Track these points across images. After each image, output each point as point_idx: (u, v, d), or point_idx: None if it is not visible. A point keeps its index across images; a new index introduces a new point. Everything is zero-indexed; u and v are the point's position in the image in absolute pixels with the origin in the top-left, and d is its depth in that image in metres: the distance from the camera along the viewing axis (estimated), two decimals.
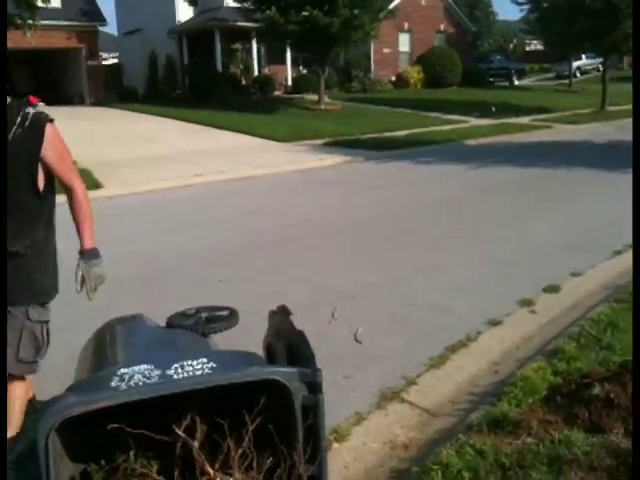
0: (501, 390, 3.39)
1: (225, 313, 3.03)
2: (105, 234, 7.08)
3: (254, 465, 2.03)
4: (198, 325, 2.85)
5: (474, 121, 19.30)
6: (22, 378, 2.60)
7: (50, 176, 2.59)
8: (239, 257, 6.15)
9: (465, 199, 8.97)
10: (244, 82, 26.01)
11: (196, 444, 2.04)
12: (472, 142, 15.38)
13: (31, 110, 2.50)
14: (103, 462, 2.12)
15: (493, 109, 20.86)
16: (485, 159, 12.44)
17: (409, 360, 3.96)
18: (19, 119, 2.45)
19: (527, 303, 4.87)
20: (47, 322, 2.63)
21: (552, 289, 5.17)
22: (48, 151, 2.52)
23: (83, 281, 2.61)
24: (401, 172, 11.60)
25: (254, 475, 2.02)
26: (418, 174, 11.31)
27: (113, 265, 5.86)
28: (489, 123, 18.68)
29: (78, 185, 2.67)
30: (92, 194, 9.26)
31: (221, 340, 3.32)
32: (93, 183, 10.02)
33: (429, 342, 4.23)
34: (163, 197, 9.32)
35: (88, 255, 2.62)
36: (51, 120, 2.56)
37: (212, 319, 2.93)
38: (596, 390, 3.02)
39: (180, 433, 2.04)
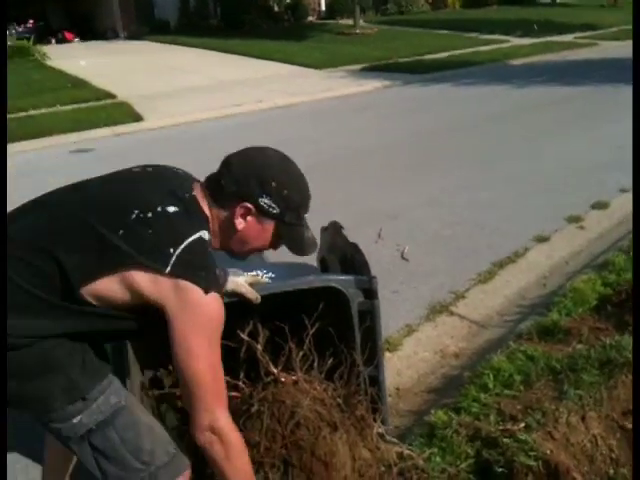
0: (551, 301, 3.43)
1: None
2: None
3: (315, 366, 2.13)
4: None
5: (516, 40, 18.60)
6: None
7: None
8: None
9: (508, 118, 8.77)
10: (276, 9, 25.44)
11: (259, 347, 2.14)
12: (514, 62, 14.88)
13: None
14: (171, 367, 2.25)
15: (535, 27, 20.05)
16: (528, 78, 12.08)
17: (457, 276, 4.01)
18: None
19: (575, 219, 4.84)
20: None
21: (600, 205, 5.12)
22: None
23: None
24: (441, 94, 11.35)
25: (315, 375, 2.12)
26: (459, 96, 11.06)
27: None
28: (531, 42, 18.00)
29: None
30: (134, 127, 9.48)
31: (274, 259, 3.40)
32: (134, 116, 10.09)
33: (476, 259, 4.26)
34: (203, 127, 9.33)
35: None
36: None
37: None
38: None
39: (244, 337, 2.15)
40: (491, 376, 2.65)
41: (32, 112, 10.38)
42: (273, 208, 1.60)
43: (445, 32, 20.42)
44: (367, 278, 2.21)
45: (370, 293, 2.21)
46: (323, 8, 26.73)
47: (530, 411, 2.39)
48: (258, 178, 1.60)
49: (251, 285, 2.03)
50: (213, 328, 1.50)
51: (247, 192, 1.60)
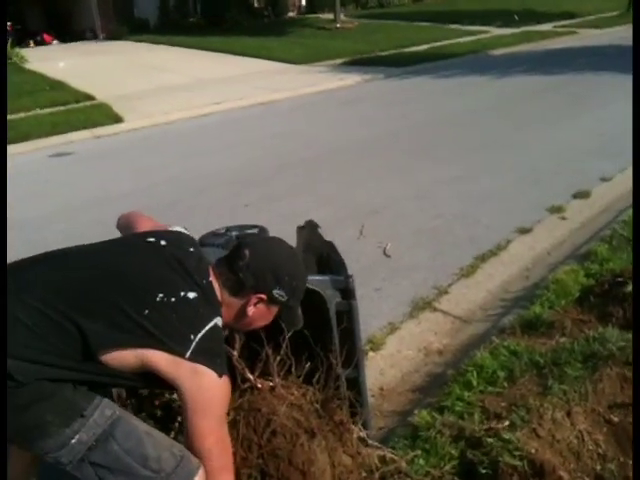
0: (533, 294, 3.40)
1: (254, 231, 3.05)
2: (130, 166, 7.17)
3: (292, 370, 2.08)
4: (229, 243, 2.87)
5: (496, 31, 18.59)
6: None
7: None
8: (262, 180, 6.12)
9: (488, 109, 8.75)
10: (257, 5, 25.29)
11: (235, 353, 2.09)
12: (495, 52, 14.88)
13: None
14: None
15: (516, 17, 20.06)
16: (509, 68, 12.07)
17: (439, 271, 3.98)
18: None
19: (557, 209, 4.82)
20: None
21: (582, 195, 5.10)
22: None
23: None
24: (422, 87, 11.32)
25: (293, 379, 2.07)
26: (440, 87, 11.03)
27: (141, 195, 5.95)
28: (512, 32, 17.99)
29: None
30: (114, 128, 9.36)
31: None
32: (113, 117, 9.96)
33: (459, 253, 4.23)
34: (183, 126, 9.23)
35: None
36: None
37: (242, 237, 2.95)
38: (630, 288, 3.00)
39: None
40: (474, 373, 2.61)
41: (10, 117, 10.21)
42: (282, 297, 1.77)
43: (426, 24, 20.38)
44: (344, 278, 2.17)
45: (347, 293, 2.17)
46: (304, 3, 26.60)
47: (514, 408, 2.36)
48: (274, 273, 1.75)
49: None
50: (222, 408, 1.63)
51: (264, 286, 1.75)
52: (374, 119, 8.77)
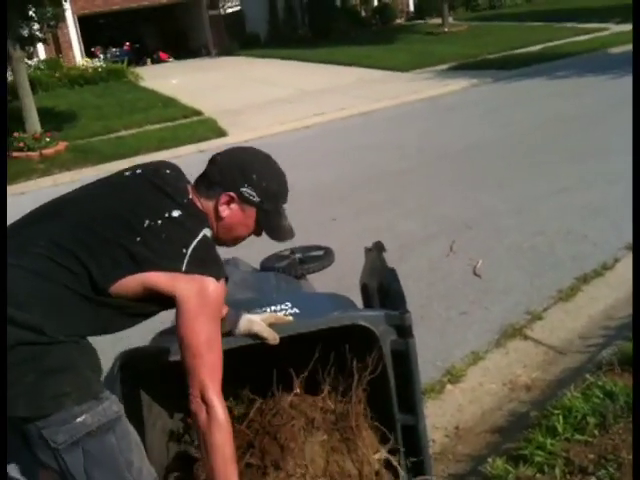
0: None
1: (320, 253, 2.90)
2: None
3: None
4: (292, 267, 2.74)
5: (615, 28, 17.41)
6: None
7: None
8: (354, 193, 5.97)
9: (602, 112, 8.13)
10: (364, 14, 25.23)
11: (297, 390, 1.96)
12: (613, 50, 13.92)
13: None
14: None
15: None
16: (628, 68, 11.22)
17: (535, 293, 3.64)
18: None
19: None
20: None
21: None
22: None
23: None
24: (533, 90, 10.75)
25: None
26: (551, 90, 10.43)
27: None
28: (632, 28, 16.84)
29: None
30: (217, 142, 9.54)
31: (332, 279, 3.18)
32: (218, 131, 10.20)
33: (558, 273, 3.86)
34: (282, 139, 9.25)
35: None
36: None
37: (306, 260, 2.81)
38: None
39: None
40: (561, 418, 2.29)
41: (123, 133, 10.71)
42: (253, 196, 1.75)
43: (539, 24, 19.48)
44: (400, 313, 1.95)
45: (404, 330, 1.95)
46: (412, 9, 26.26)
47: (604, 461, 2.04)
48: (240, 170, 1.77)
49: (271, 325, 1.94)
50: (216, 309, 1.67)
51: (230, 182, 1.75)
52: (475, 126, 8.38)
